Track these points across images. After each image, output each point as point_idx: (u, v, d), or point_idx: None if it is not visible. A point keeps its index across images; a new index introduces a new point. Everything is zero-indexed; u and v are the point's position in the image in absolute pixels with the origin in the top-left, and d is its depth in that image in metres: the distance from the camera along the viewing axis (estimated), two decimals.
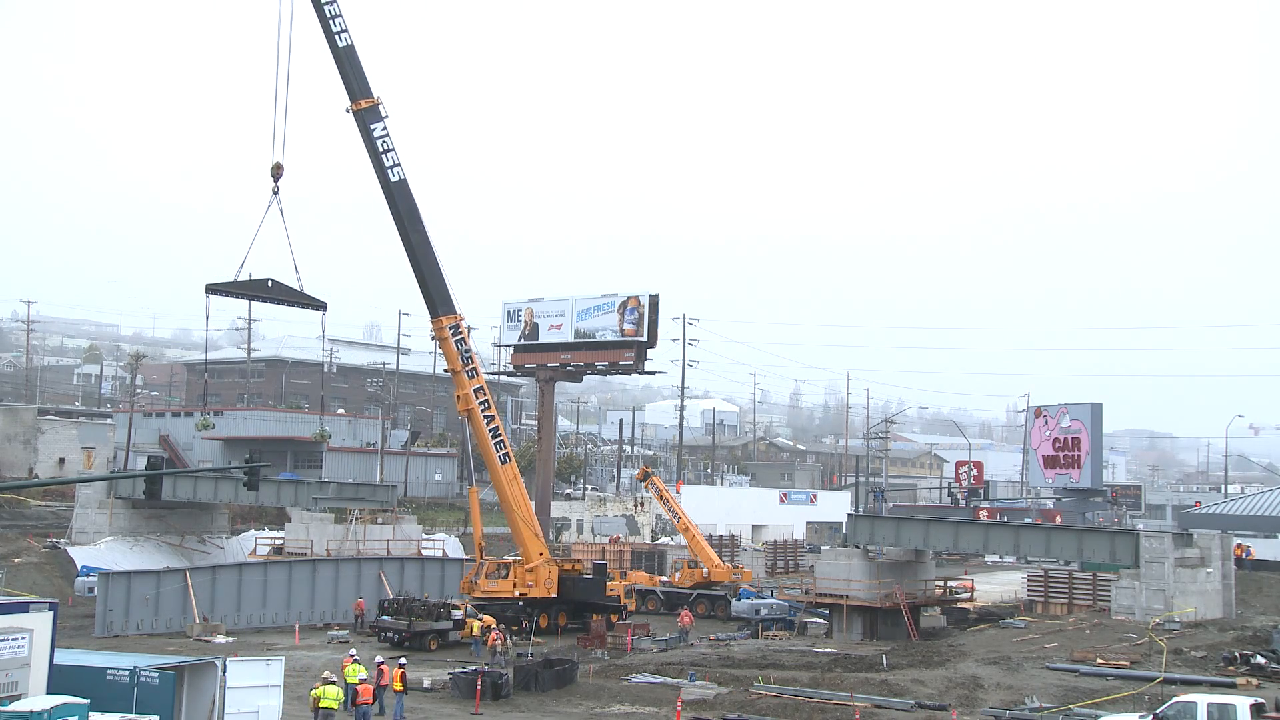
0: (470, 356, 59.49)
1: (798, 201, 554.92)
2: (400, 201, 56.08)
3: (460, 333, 58.49)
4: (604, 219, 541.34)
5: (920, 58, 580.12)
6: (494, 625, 52.95)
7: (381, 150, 55.24)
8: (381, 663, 37.93)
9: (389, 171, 55.48)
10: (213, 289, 56.93)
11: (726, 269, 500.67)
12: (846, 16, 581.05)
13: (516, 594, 59.45)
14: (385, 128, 55.24)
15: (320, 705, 33.14)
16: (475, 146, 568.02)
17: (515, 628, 57.48)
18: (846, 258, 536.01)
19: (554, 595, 59.64)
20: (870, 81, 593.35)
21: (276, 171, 53.37)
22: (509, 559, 63.23)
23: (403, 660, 39.76)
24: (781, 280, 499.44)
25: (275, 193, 53.58)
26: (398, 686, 36.27)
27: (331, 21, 53.96)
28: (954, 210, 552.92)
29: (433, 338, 60.22)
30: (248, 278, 55.95)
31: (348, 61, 54.46)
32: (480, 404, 59.04)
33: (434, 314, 58.03)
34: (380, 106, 55.15)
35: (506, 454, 59.66)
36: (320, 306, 56.73)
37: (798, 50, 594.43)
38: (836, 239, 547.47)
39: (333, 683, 34.00)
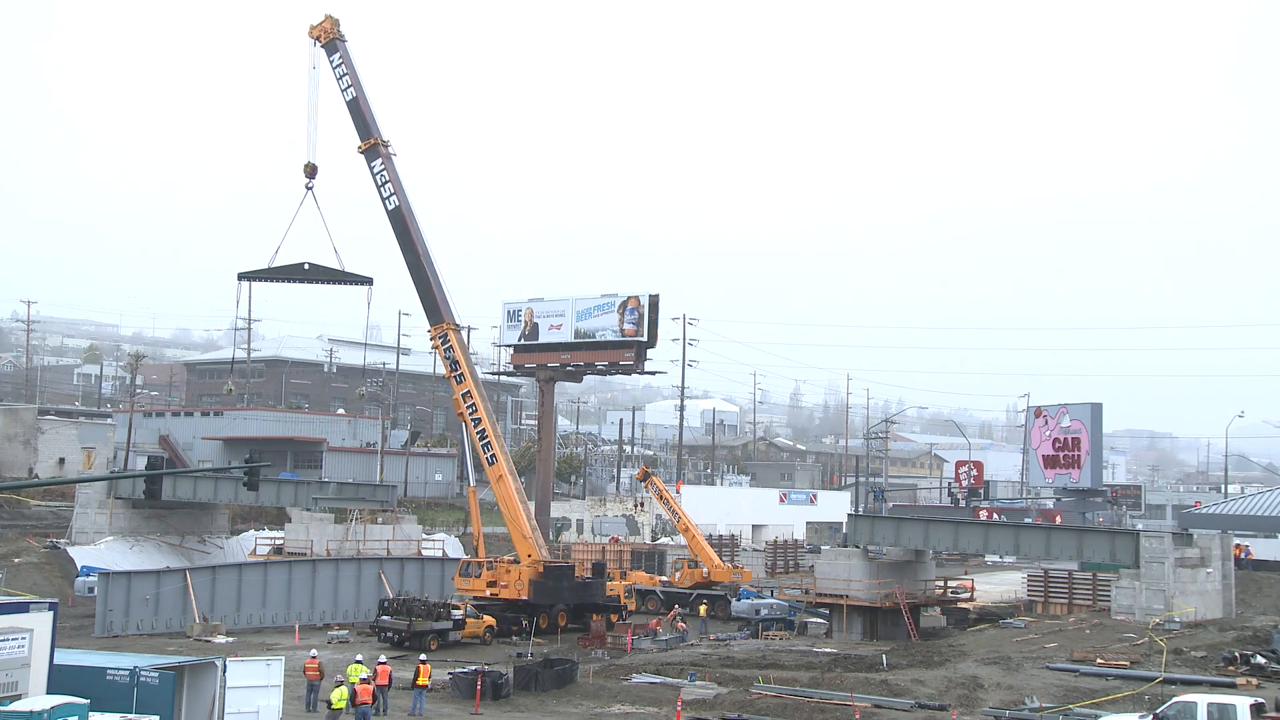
0: (458, 363, 61.51)
1: (798, 202, 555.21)
2: (395, 225, 62.47)
3: (449, 341, 61.54)
4: (604, 219, 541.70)
5: (921, 59, 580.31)
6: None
7: (379, 183, 62.64)
8: (383, 663, 38.06)
9: (385, 201, 62.54)
10: (246, 276, 62.96)
11: (727, 269, 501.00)
12: (847, 20, 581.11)
13: (489, 594, 59.57)
14: (383, 164, 62.44)
15: (333, 706, 33.38)
16: (477, 147, 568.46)
17: (515, 628, 57.50)
18: (847, 258, 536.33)
19: (524, 597, 58.82)
20: (871, 84, 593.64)
21: (310, 170, 62.11)
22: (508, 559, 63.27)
23: (423, 657, 40.62)
24: (782, 280, 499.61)
25: (309, 189, 61.79)
26: (422, 681, 37.71)
27: (339, 81, 63.48)
28: (954, 210, 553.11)
29: (430, 340, 64.22)
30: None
31: (352, 110, 63.33)
32: (468, 407, 61.01)
33: (428, 322, 62.71)
34: (380, 146, 62.50)
35: (494, 455, 60.42)
36: (366, 281, 63.49)
37: (797, 51, 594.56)
38: (837, 239, 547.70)
39: (341, 683, 34.24)
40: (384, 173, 62.33)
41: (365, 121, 62.91)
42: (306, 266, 62.04)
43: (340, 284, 63.98)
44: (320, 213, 61.41)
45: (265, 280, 63.91)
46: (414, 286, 62.87)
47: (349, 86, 63.32)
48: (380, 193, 62.78)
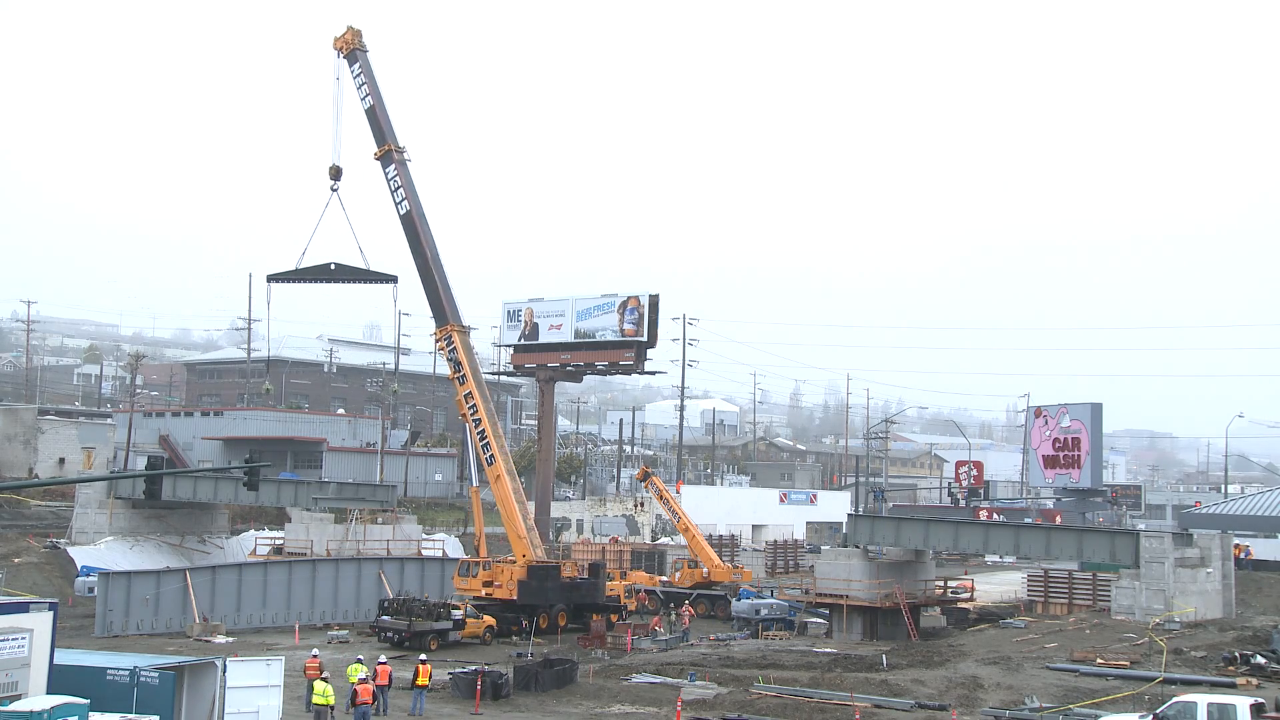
0: (461, 364, 62.10)
1: (798, 202, 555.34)
2: (406, 229, 63.50)
3: (453, 342, 62.33)
4: (604, 218, 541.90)
5: (917, 64, 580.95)
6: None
7: (393, 189, 63.84)
8: (383, 663, 38.03)
9: (398, 206, 63.81)
10: (274, 278, 65.33)
11: (727, 268, 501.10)
12: (850, 26, 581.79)
13: (484, 594, 59.69)
14: (396, 170, 63.52)
15: (314, 702, 33.31)
16: (480, 147, 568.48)
17: (515, 628, 57.50)
18: (847, 257, 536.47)
19: (514, 598, 58.76)
20: (871, 88, 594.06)
21: (334, 173, 63.32)
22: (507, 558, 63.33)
23: (423, 657, 40.51)
24: (782, 280, 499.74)
25: (334, 190, 63.22)
26: (422, 681, 37.70)
27: (359, 90, 64.93)
28: (954, 210, 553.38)
29: (435, 342, 65.31)
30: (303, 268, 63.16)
31: (370, 118, 64.37)
32: (469, 408, 61.70)
33: (435, 323, 63.71)
34: (395, 152, 63.53)
35: (492, 455, 60.79)
36: (391, 280, 64.89)
37: (798, 53, 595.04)
38: (837, 239, 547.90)
39: (325, 679, 34.20)
40: (397, 178, 63.34)
41: (381, 128, 64.00)
42: (333, 267, 63.20)
43: (366, 283, 65.04)
44: (345, 213, 63.01)
45: (293, 281, 64.98)
46: (422, 289, 63.80)
47: (367, 95, 64.55)
48: (393, 197, 63.79)
